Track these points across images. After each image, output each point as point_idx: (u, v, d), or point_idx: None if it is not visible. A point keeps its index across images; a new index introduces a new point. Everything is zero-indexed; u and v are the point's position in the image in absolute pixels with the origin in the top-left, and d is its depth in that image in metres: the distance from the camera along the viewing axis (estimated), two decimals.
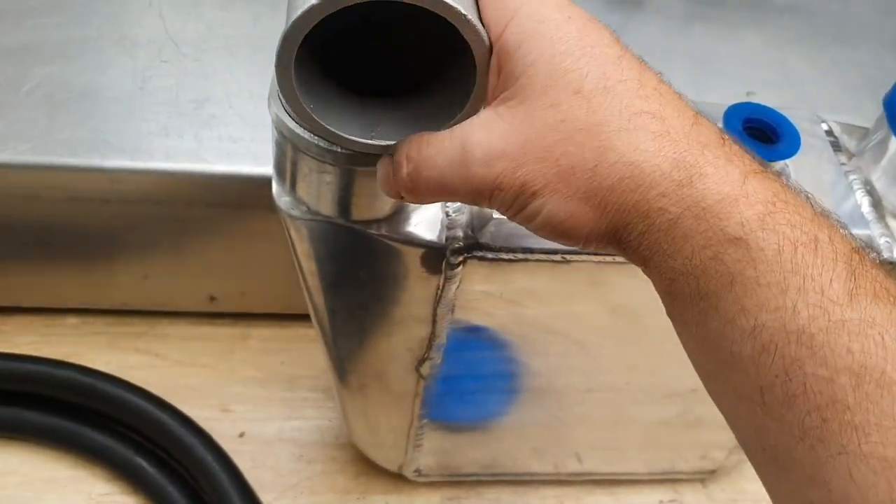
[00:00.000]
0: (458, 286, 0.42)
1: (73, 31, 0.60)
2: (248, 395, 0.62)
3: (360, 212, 0.39)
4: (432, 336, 0.45)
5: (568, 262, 0.41)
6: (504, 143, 0.28)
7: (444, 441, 0.55)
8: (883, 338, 0.24)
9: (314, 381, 0.64)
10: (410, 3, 0.28)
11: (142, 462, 0.55)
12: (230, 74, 0.59)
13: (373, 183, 0.38)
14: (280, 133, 0.37)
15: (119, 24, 0.61)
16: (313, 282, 0.44)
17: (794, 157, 0.41)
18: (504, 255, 0.40)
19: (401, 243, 0.40)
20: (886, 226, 0.43)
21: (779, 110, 0.43)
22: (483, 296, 0.43)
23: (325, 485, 0.59)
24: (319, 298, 0.44)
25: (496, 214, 0.40)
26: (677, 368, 0.51)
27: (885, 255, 0.41)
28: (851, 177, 0.44)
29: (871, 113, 0.45)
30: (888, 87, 0.43)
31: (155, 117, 0.56)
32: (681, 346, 0.48)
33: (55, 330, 0.64)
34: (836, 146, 0.45)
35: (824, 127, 0.46)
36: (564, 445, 0.58)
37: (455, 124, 0.32)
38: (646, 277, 0.42)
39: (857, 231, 0.40)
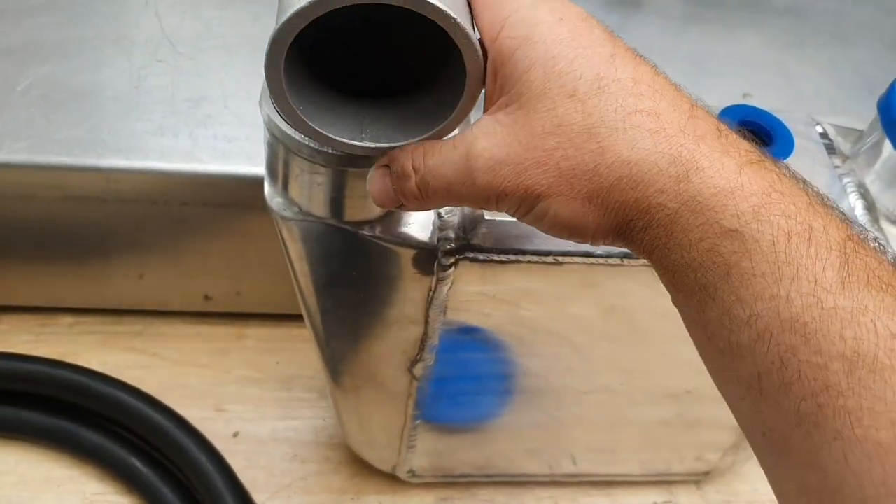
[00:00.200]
0: (451, 287, 0.41)
1: (70, 30, 0.60)
2: (243, 395, 0.63)
3: (353, 213, 0.39)
4: (425, 337, 0.45)
5: (560, 263, 0.41)
6: (506, 149, 0.29)
7: (438, 442, 0.55)
8: (875, 325, 0.24)
9: (309, 381, 0.64)
10: (398, 5, 0.28)
11: (135, 462, 0.55)
12: (226, 74, 0.59)
13: (365, 184, 0.38)
14: (272, 134, 0.37)
15: (116, 23, 0.61)
16: (306, 282, 0.44)
17: (787, 160, 0.40)
18: (496, 257, 0.40)
19: (393, 244, 0.40)
20: (880, 229, 0.42)
21: (773, 112, 0.43)
22: (476, 296, 0.43)
23: (319, 485, 0.59)
24: (312, 299, 0.44)
25: (488, 215, 0.40)
26: (672, 370, 0.51)
27: None
28: (845, 179, 0.44)
29: (869, 114, 0.44)
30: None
31: (150, 117, 0.56)
32: (675, 348, 0.48)
33: (50, 329, 0.64)
34: (831, 148, 0.45)
35: (819, 129, 0.46)
36: (559, 446, 0.58)
37: (445, 127, 0.32)
38: (639, 279, 0.42)
39: None
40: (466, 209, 0.40)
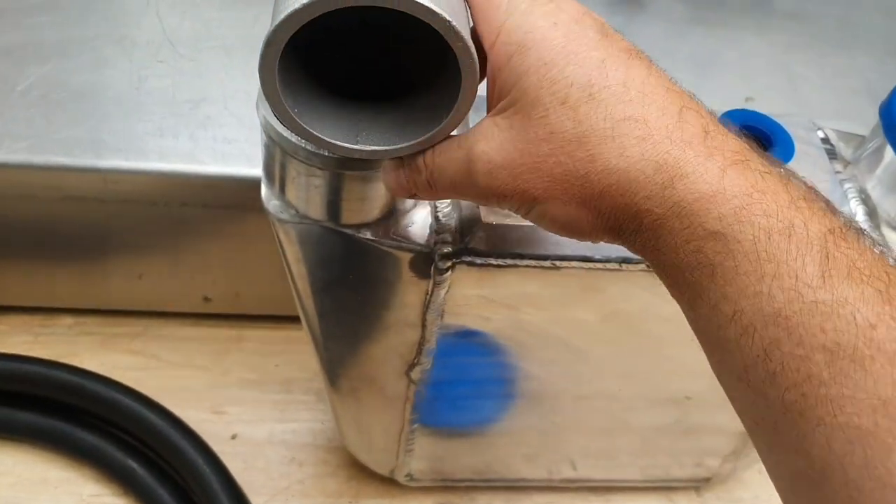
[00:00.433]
0: (448, 291, 0.41)
1: (70, 30, 0.60)
2: (242, 397, 0.62)
3: (350, 216, 0.39)
4: (422, 341, 0.45)
5: (558, 268, 0.40)
6: (503, 154, 0.30)
7: (436, 446, 0.55)
8: (854, 316, 0.25)
9: (308, 384, 0.63)
10: (391, 7, 0.28)
11: (132, 464, 0.55)
12: (226, 75, 0.59)
13: (362, 187, 0.38)
14: (268, 136, 0.37)
15: (116, 23, 0.61)
16: (303, 285, 0.43)
17: (787, 165, 0.40)
18: (493, 261, 0.40)
19: (390, 247, 0.40)
20: (882, 235, 0.42)
21: (773, 117, 0.43)
22: (474, 300, 0.43)
23: (317, 488, 0.59)
24: (309, 302, 0.44)
25: (486, 219, 0.40)
26: (672, 375, 0.51)
27: None
28: (847, 185, 0.43)
29: (872, 119, 0.44)
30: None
31: (150, 118, 0.56)
32: (675, 354, 0.48)
33: (49, 330, 0.64)
34: (832, 154, 0.45)
35: (820, 134, 0.45)
36: (558, 452, 0.58)
37: (441, 130, 0.32)
38: (639, 284, 0.42)
39: None
40: (464, 211, 0.40)
